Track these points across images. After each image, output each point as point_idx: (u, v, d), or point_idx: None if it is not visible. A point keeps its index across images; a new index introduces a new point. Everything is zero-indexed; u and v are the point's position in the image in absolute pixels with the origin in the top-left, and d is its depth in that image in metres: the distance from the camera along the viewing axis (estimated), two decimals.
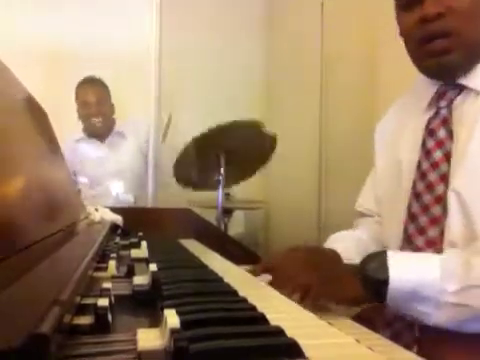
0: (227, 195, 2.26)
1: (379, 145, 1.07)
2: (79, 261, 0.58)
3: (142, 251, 0.91)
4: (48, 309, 0.35)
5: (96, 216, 1.30)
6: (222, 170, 2.06)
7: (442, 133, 0.89)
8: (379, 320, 0.89)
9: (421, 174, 0.90)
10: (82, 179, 2.49)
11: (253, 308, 0.52)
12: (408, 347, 0.62)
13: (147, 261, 0.78)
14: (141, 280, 0.63)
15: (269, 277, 0.87)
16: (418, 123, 0.94)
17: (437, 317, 0.73)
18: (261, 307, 0.51)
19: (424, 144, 0.91)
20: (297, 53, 2.77)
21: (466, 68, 0.88)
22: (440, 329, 0.74)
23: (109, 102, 2.56)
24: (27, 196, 0.63)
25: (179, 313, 0.43)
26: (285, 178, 2.85)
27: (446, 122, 0.89)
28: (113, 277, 0.69)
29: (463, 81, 0.89)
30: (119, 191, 2.50)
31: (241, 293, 0.59)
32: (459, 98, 0.89)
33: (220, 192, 2.09)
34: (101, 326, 0.45)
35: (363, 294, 0.76)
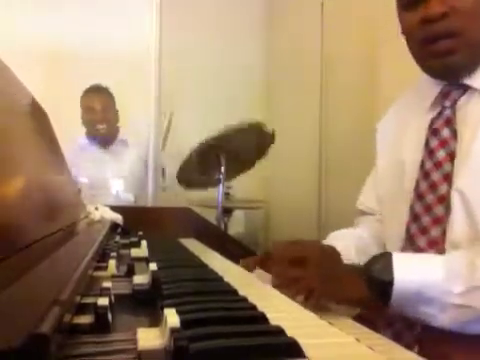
0: (227, 195, 2.26)
1: (381, 145, 1.06)
2: (79, 261, 0.58)
3: (142, 250, 0.90)
4: (48, 309, 0.35)
5: (96, 215, 1.30)
6: (222, 169, 2.06)
7: (446, 133, 0.88)
8: (380, 320, 0.89)
9: (424, 174, 0.89)
10: (82, 179, 2.50)
11: (253, 307, 0.52)
12: (409, 347, 0.61)
13: (147, 260, 0.78)
14: (141, 279, 0.63)
15: (264, 273, 0.87)
16: (421, 123, 0.94)
17: (442, 319, 0.73)
18: (261, 306, 0.51)
19: (427, 144, 0.90)
20: (297, 53, 2.77)
21: (470, 68, 0.88)
22: (441, 329, 0.74)
23: (114, 110, 2.60)
24: (27, 196, 0.63)
25: (179, 312, 0.43)
26: (285, 178, 2.85)
27: (450, 122, 0.89)
28: (113, 276, 0.69)
29: (467, 81, 0.88)
30: (119, 189, 2.50)
31: (241, 292, 0.59)
32: (463, 98, 0.89)
33: (220, 191, 2.09)
34: (101, 325, 0.45)
35: (364, 295, 0.76)
